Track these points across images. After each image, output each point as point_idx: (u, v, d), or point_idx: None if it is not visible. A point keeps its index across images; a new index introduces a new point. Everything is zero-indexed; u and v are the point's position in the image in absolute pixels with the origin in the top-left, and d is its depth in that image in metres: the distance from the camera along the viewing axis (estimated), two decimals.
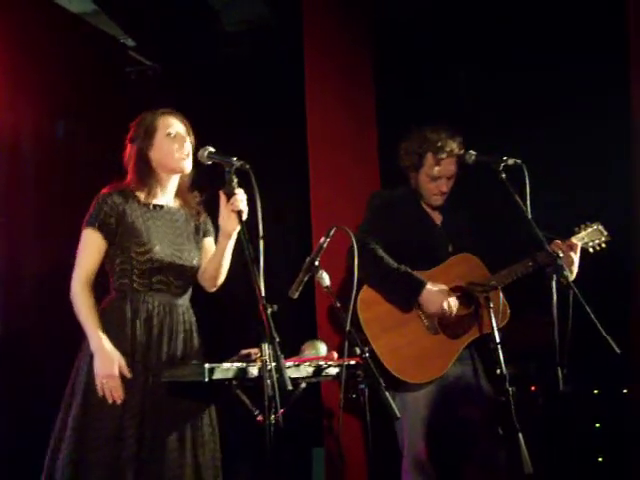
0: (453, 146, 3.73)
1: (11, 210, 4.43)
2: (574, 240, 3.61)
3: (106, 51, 5.32)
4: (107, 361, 2.98)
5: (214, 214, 3.12)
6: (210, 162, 3.01)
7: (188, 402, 3.09)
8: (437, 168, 3.73)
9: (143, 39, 5.56)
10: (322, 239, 3.06)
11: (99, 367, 2.99)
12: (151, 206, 3.22)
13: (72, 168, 4.81)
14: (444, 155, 3.72)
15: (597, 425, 4.43)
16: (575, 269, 3.54)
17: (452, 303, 3.58)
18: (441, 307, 3.56)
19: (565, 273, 3.24)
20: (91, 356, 3.03)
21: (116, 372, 2.97)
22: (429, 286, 3.57)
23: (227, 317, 4.26)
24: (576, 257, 3.55)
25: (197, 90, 5.31)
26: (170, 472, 3.01)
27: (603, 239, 3.68)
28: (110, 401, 2.96)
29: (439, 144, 3.73)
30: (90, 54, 5.05)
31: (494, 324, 3.40)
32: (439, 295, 3.57)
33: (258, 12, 5.62)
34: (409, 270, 3.61)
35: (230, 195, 2.92)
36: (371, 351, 3.33)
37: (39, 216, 4.58)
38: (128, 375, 3.00)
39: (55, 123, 4.86)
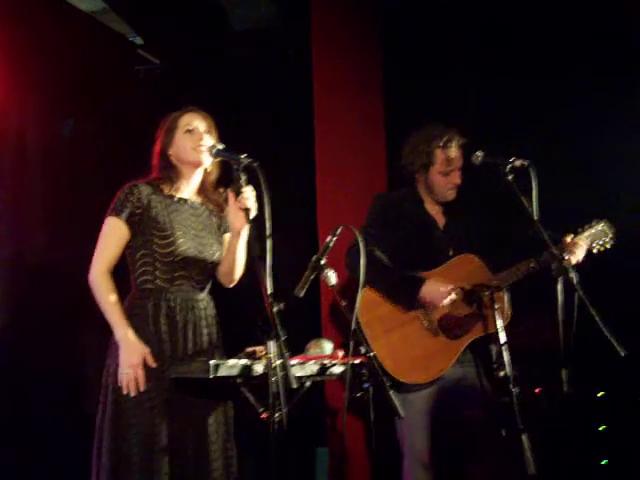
0: (457, 136, 3.79)
1: (18, 208, 4.43)
2: (577, 240, 3.60)
3: (115, 49, 5.32)
4: (130, 351, 3.00)
5: None
6: (218, 159, 3.03)
7: (212, 394, 3.12)
8: (448, 162, 3.77)
9: (152, 38, 5.57)
10: (328, 238, 3.05)
11: (122, 357, 3.00)
12: (175, 198, 3.24)
13: (80, 166, 4.81)
14: (453, 147, 3.76)
15: (601, 427, 4.43)
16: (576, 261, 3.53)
17: (451, 293, 3.57)
18: (441, 298, 3.56)
19: (570, 274, 3.23)
20: (118, 354, 3.03)
21: (139, 362, 2.99)
22: (428, 282, 3.58)
23: (233, 314, 4.26)
24: (580, 257, 3.55)
25: (205, 89, 5.32)
26: (202, 462, 3.06)
27: (607, 239, 3.67)
28: (125, 391, 2.98)
29: (446, 138, 3.76)
30: (99, 52, 5.05)
31: (499, 324, 3.39)
32: (438, 287, 3.56)
33: (266, 12, 5.63)
34: (407, 272, 3.62)
35: (238, 192, 2.93)
36: None
37: (46, 214, 4.58)
38: (152, 365, 3.01)
39: (63, 121, 4.86)
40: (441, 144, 3.77)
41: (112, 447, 2.98)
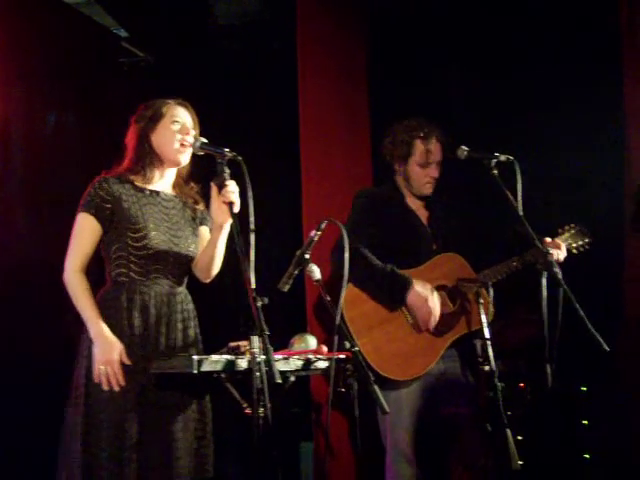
0: (438, 131, 3.81)
1: (0, 201, 4.40)
2: (557, 240, 3.65)
3: (99, 42, 5.28)
4: (107, 347, 2.97)
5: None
6: (202, 153, 3.02)
7: (187, 391, 3.09)
8: (428, 154, 3.77)
9: (136, 30, 5.54)
10: (313, 232, 3.05)
11: (99, 353, 2.97)
12: (147, 191, 3.20)
13: (63, 159, 4.78)
14: (433, 140, 3.78)
15: (584, 422, 4.45)
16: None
17: (436, 303, 3.57)
18: (426, 308, 3.55)
19: (555, 270, 3.25)
20: (89, 349, 3.01)
21: (116, 358, 2.96)
22: (415, 285, 3.56)
23: (216, 309, 4.25)
24: (561, 257, 3.58)
25: (189, 82, 5.29)
26: (172, 458, 3.02)
27: (587, 240, 3.74)
28: (106, 387, 2.95)
29: (426, 130, 3.79)
30: (83, 44, 5.02)
31: (484, 320, 3.40)
32: (425, 295, 3.56)
33: (252, 6, 5.61)
34: (395, 269, 3.61)
35: (221, 186, 2.91)
36: None
37: (29, 207, 4.55)
38: (127, 362, 2.98)
39: (47, 114, 4.83)
40: (422, 135, 3.79)
41: (84, 443, 2.95)
